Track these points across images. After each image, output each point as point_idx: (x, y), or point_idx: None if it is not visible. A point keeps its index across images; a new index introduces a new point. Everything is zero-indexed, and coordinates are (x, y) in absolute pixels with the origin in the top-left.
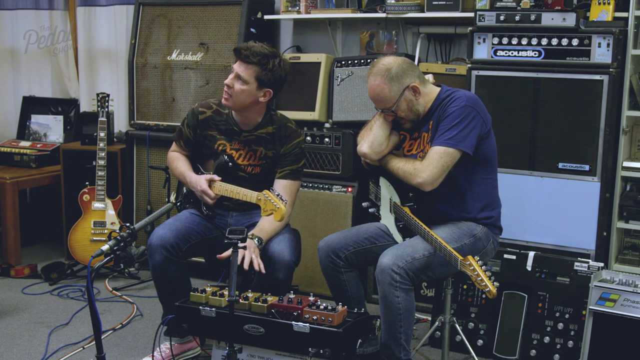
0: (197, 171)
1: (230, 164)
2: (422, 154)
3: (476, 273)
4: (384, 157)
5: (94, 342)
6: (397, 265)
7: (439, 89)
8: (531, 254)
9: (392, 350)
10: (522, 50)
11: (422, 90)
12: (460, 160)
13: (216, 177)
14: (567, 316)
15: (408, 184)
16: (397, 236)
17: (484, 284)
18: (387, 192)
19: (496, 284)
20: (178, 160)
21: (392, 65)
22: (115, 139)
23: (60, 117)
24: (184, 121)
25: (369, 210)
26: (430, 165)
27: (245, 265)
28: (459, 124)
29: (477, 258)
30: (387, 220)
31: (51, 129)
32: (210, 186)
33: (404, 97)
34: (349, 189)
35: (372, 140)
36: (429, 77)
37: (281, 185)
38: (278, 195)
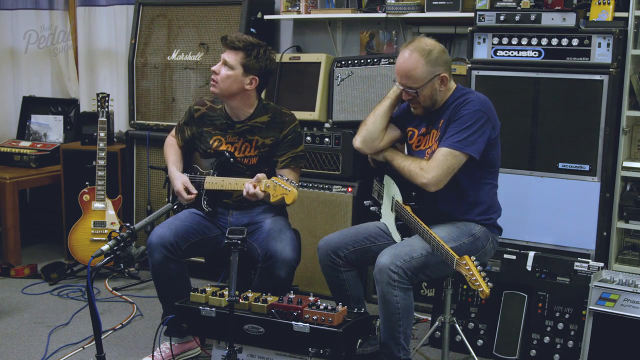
0: (195, 172)
1: (231, 159)
2: (429, 151)
3: (471, 273)
4: (388, 153)
5: (94, 342)
6: (395, 264)
7: (455, 86)
8: (531, 254)
9: (392, 349)
10: (522, 50)
11: (448, 84)
12: (466, 164)
13: (192, 190)
14: (567, 316)
15: (412, 183)
16: (396, 235)
17: (477, 283)
18: (390, 190)
19: (490, 284)
20: (171, 148)
21: (434, 48)
22: (115, 139)
23: (60, 117)
24: (182, 119)
25: (371, 208)
26: (436, 166)
27: (247, 189)
28: (469, 127)
29: (473, 258)
30: (388, 218)
31: (51, 129)
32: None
33: (432, 83)
34: (349, 189)
35: (364, 135)
36: None
37: (284, 174)
38: (287, 180)
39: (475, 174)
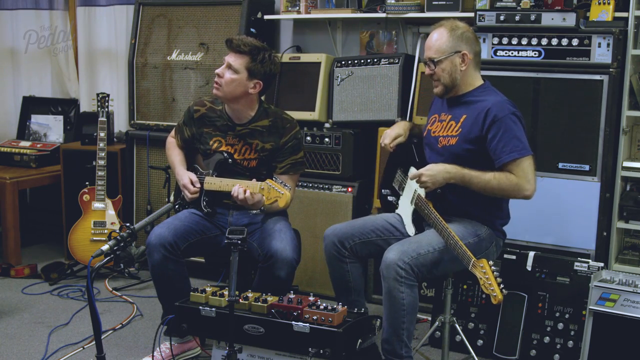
0: (195, 172)
1: (230, 160)
2: (443, 140)
3: (487, 276)
4: (466, 174)
5: (94, 342)
6: (403, 260)
7: (482, 82)
8: (531, 254)
9: (394, 346)
10: (522, 50)
11: (470, 67)
12: (484, 161)
13: (197, 184)
14: (567, 316)
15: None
16: (410, 228)
17: (492, 288)
18: (414, 183)
19: (504, 291)
20: (174, 149)
21: (461, 27)
22: (115, 139)
23: (60, 117)
24: (181, 120)
25: (388, 197)
26: (529, 175)
27: (235, 193)
28: (519, 130)
29: (491, 262)
30: (405, 210)
31: (51, 129)
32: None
33: (452, 58)
34: (349, 189)
35: None
36: None
37: (282, 180)
38: (281, 182)
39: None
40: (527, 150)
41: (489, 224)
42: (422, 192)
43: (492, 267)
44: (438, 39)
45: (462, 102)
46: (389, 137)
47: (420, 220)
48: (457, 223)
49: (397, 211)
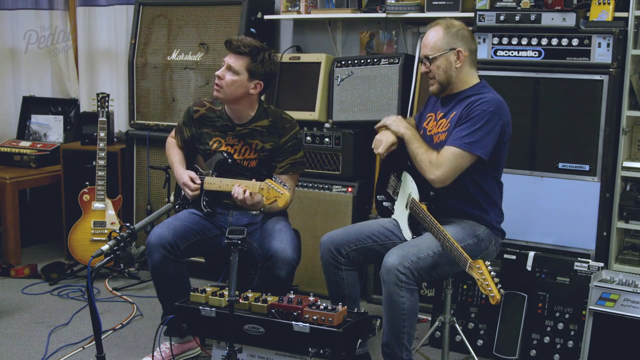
0: (195, 172)
1: (229, 160)
2: (436, 138)
3: (484, 277)
4: (409, 133)
5: (94, 342)
6: (403, 265)
7: (477, 81)
8: (531, 254)
9: (395, 350)
10: (522, 50)
11: (465, 65)
12: (479, 165)
13: (197, 180)
14: (567, 316)
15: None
16: (407, 232)
17: (489, 288)
18: (407, 188)
19: (502, 290)
20: (173, 149)
21: (457, 25)
22: (115, 139)
23: (60, 117)
24: (181, 120)
25: (384, 203)
26: (444, 164)
27: (235, 194)
28: (481, 128)
29: (487, 263)
30: (400, 215)
31: (51, 129)
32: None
33: (447, 55)
34: (349, 189)
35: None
36: None
37: (282, 180)
38: (281, 182)
39: (485, 175)
40: (474, 148)
41: (486, 223)
42: (416, 196)
43: (489, 267)
44: (433, 36)
45: (457, 99)
46: (383, 147)
47: (417, 224)
48: (455, 225)
49: (393, 216)
